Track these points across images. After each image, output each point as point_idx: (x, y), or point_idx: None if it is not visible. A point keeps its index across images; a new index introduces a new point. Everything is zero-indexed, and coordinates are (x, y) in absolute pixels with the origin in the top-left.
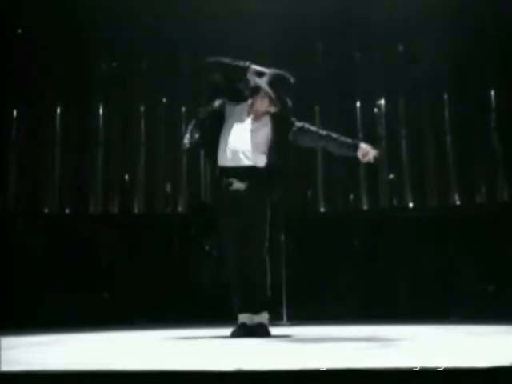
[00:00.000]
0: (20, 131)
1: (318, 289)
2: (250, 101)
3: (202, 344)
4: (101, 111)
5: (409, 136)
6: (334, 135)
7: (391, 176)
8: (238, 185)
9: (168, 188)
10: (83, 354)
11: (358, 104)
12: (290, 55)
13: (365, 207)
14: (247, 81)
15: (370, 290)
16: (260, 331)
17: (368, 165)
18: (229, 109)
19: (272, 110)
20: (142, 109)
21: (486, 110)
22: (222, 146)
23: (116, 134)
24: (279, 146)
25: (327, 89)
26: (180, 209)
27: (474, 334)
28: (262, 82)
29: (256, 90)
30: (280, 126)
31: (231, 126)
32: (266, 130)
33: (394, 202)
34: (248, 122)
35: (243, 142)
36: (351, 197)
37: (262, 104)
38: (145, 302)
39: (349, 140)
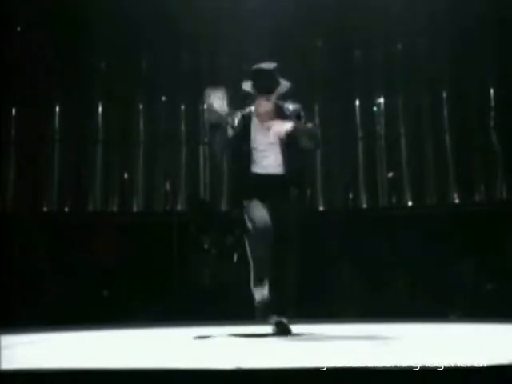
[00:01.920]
0: (19, 130)
1: (317, 287)
2: (252, 109)
3: (202, 342)
4: (100, 110)
5: (408, 134)
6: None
7: (390, 174)
8: (270, 191)
9: (167, 186)
10: (82, 353)
11: (358, 102)
12: (289, 53)
13: (364, 206)
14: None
15: (369, 288)
16: (282, 329)
17: (368, 163)
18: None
19: (267, 106)
20: (141, 107)
21: (485, 109)
22: (249, 152)
23: (115, 132)
24: (295, 148)
25: (326, 87)
26: (179, 207)
27: (473, 332)
28: (247, 86)
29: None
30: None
31: (255, 134)
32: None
33: (393, 200)
34: (264, 129)
35: (267, 150)
36: (350, 195)
37: (260, 105)
38: (144, 300)
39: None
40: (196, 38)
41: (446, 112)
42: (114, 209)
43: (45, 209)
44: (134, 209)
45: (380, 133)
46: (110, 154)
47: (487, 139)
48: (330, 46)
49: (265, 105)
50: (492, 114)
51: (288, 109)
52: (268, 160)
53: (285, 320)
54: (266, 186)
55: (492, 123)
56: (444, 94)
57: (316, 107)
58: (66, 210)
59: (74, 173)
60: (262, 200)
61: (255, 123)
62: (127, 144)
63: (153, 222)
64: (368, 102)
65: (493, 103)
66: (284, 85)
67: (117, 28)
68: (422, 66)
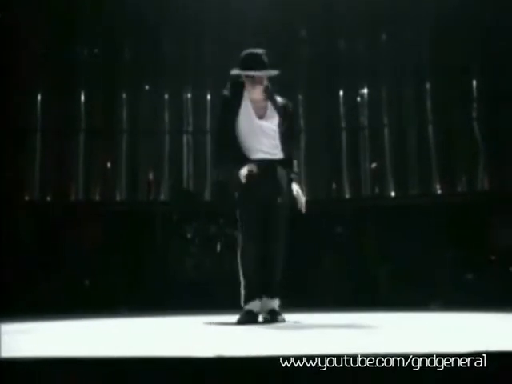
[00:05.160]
0: (1, 118)
1: (301, 277)
2: (246, 94)
3: (184, 331)
4: (82, 98)
5: (391, 125)
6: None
7: (373, 165)
8: (261, 178)
9: (150, 176)
10: (64, 342)
11: (341, 93)
12: (273, 43)
13: (347, 196)
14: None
15: (351, 277)
16: (275, 317)
17: (351, 154)
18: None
19: (261, 93)
20: (124, 96)
21: (468, 101)
22: (242, 139)
23: (98, 121)
24: (288, 134)
25: (310, 77)
26: (162, 196)
27: (454, 321)
28: (237, 71)
29: (243, 82)
30: (282, 111)
31: (246, 121)
32: (274, 121)
33: (376, 190)
34: (255, 115)
35: (259, 137)
36: (333, 185)
37: (251, 92)
38: (127, 290)
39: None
40: (180, 26)
41: (429, 103)
42: (97, 198)
43: (26, 198)
44: (117, 198)
45: (363, 123)
46: (92, 143)
47: (470, 130)
48: (313, 36)
49: (255, 91)
50: (474, 105)
51: (277, 101)
52: (259, 146)
53: (277, 308)
54: (258, 172)
55: (474, 115)
56: (427, 86)
57: (300, 97)
58: (48, 199)
59: (56, 162)
60: (254, 187)
61: (247, 108)
62: (110, 133)
63: (136, 211)
64: (352, 93)
65: (475, 95)
66: (272, 71)
67: (100, 16)
68: (405, 57)
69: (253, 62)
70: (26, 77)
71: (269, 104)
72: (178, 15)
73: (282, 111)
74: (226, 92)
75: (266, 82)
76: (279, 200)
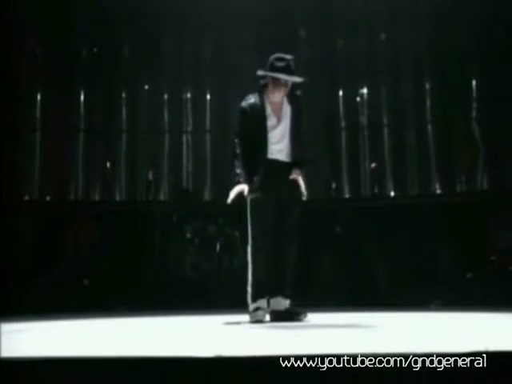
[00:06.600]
0: (0, 118)
1: (299, 276)
2: (266, 95)
3: (184, 331)
4: (82, 98)
5: (391, 125)
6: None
7: (373, 165)
8: (278, 177)
9: (150, 175)
10: (64, 342)
11: (341, 92)
12: (272, 43)
13: (347, 196)
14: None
15: (350, 277)
16: (296, 315)
17: (350, 154)
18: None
19: (280, 94)
20: (123, 95)
21: (468, 101)
22: (263, 140)
23: (97, 120)
24: (299, 127)
25: (310, 77)
26: (162, 196)
27: (454, 321)
28: (262, 72)
29: (266, 84)
30: (297, 111)
31: (268, 122)
32: (287, 118)
33: (376, 190)
34: (274, 116)
35: (275, 138)
36: (333, 185)
37: (274, 94)
38: (126, 289)
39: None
40: (179, 26)
41: (428, 103)
42: (96, 198)
43: (26, 198)
44: (117, 198)
45: (363, 123)
46: (92, 142)
47: (469, 130)
48: (313, 36)
49: (277, 94)
50: (474, 105)
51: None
52: (279, 147)
53: (288, 306)
54: (275, 173)
55: (474, 115)
56: (427, 86)
57: None
58: (48, 199)
59: (55, 162)
60: (270, 187)
61: (268, 110)
62: (109, 133)
63: (135, 211)
64: (351, 93)
65: (475, 95)
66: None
67: (100, 15)
68: (405, 57)
69: (281, 66)
70: (25, 77)
71: (284, 101)
72: (178, 15)
73: (292, 101)
74: (244, 104)
75: (289, 87)
76: (293, 202)
